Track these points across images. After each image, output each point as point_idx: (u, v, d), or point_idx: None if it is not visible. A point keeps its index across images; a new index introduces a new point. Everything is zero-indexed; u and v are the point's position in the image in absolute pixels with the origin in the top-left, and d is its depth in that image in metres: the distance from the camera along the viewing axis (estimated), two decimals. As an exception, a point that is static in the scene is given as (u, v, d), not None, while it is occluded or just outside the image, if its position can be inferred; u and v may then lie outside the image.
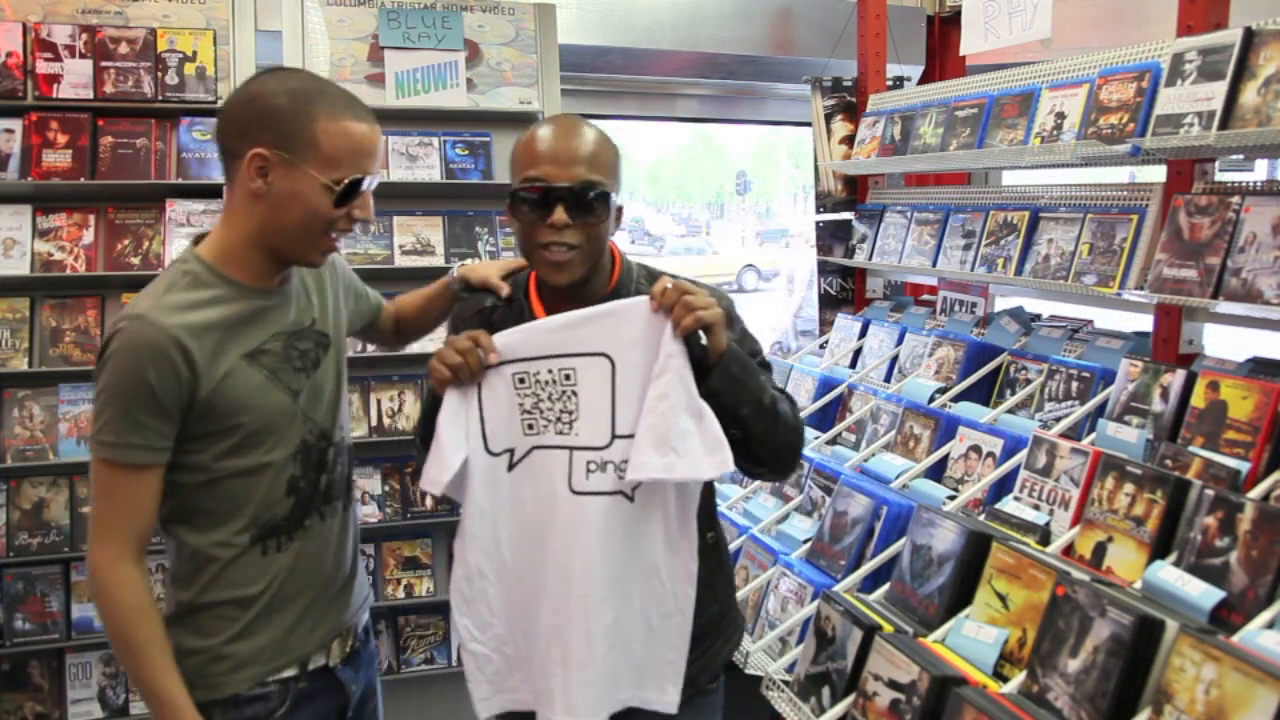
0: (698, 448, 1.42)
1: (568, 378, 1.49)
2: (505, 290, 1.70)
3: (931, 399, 2.41)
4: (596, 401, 1.48)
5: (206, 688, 1.50)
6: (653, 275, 1.70)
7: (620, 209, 1.63)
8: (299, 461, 1.58)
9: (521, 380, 1.50)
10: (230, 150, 1.48)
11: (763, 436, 1.54)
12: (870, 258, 3.08)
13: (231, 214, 1.52)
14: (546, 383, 1.49)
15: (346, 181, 1.47)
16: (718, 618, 1.68)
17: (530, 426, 1.51)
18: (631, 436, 1.45)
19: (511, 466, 1.52)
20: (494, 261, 1.87)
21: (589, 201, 1.53)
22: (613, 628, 1.48)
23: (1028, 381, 2.29)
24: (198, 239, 1.56)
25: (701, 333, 1.45)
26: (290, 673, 1.57)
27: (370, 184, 1.52)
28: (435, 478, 1.47)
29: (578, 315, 1.50)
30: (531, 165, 1.55)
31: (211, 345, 1.46)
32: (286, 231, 1.49)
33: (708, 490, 1.65)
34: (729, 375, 1.50)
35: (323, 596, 1.63)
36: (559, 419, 1.50)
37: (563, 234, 1.52)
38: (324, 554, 1.64)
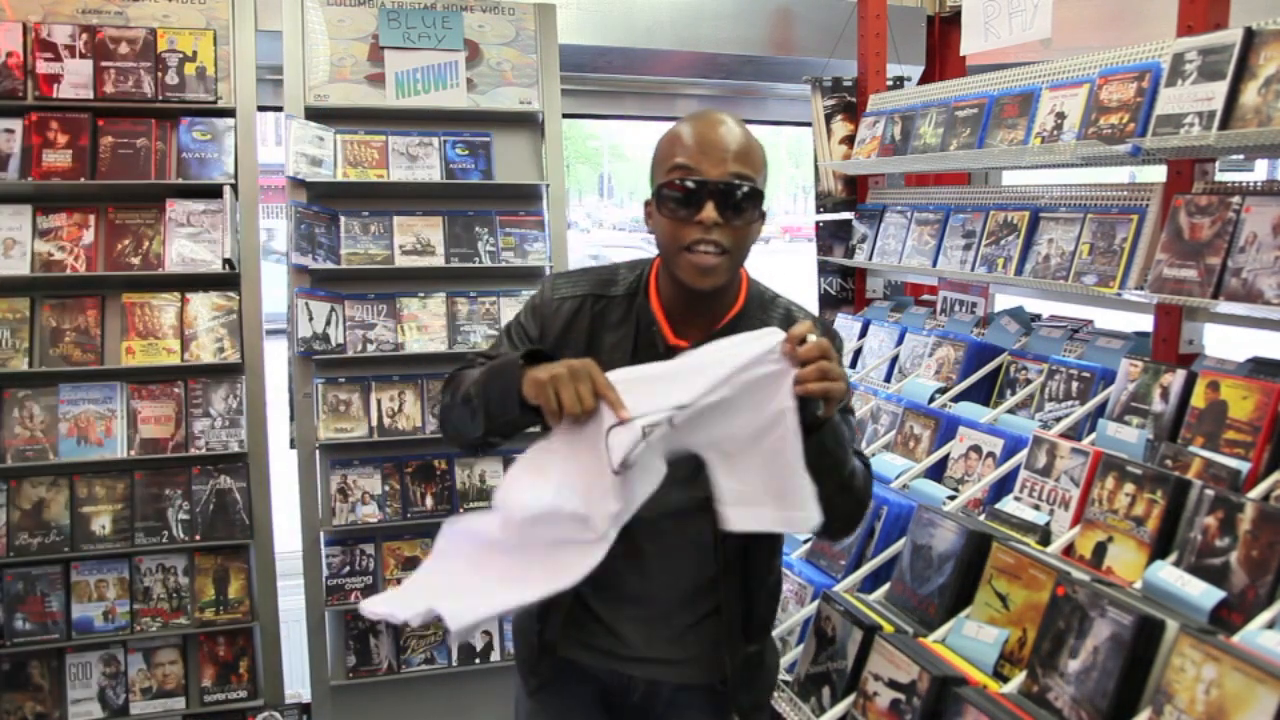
0: (809, 499, 1.37)
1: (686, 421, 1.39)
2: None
3: (931, 399, 2.41)
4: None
5: None
6: (766, 300, 1.61)
7: (764, 214, 1.51)
8: None
9: (647, 433, 1.36)
10: None
11: (826, 506, 1.47)
12: (870, 258, 3.08)
13: None
14: (665, 435, 1.37)
15: None
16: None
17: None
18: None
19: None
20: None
21: (741, 199, 1.42)
22: None
23: (1028, 381, 2.29)
24: None
25: (822, 402, 1.35)
26: None
27: None
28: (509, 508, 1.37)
29: (701, 362, 1.37)
30: (681, 158, 1.44)
31: None
32: None
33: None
34: (822, 448, 1.42)
35: None
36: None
37: (711, 233, 1.42)
38: None
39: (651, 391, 1.35)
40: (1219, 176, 1.98)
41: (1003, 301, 2.87)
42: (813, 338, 1.32)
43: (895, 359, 2.79)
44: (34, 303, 2.84)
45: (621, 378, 1.37)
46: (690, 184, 1.42)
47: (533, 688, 1.69)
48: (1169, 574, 1.48)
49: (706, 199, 1.41)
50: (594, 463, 1.35)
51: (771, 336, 1.35)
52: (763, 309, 1.59)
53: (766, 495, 1.36)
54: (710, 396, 1.34)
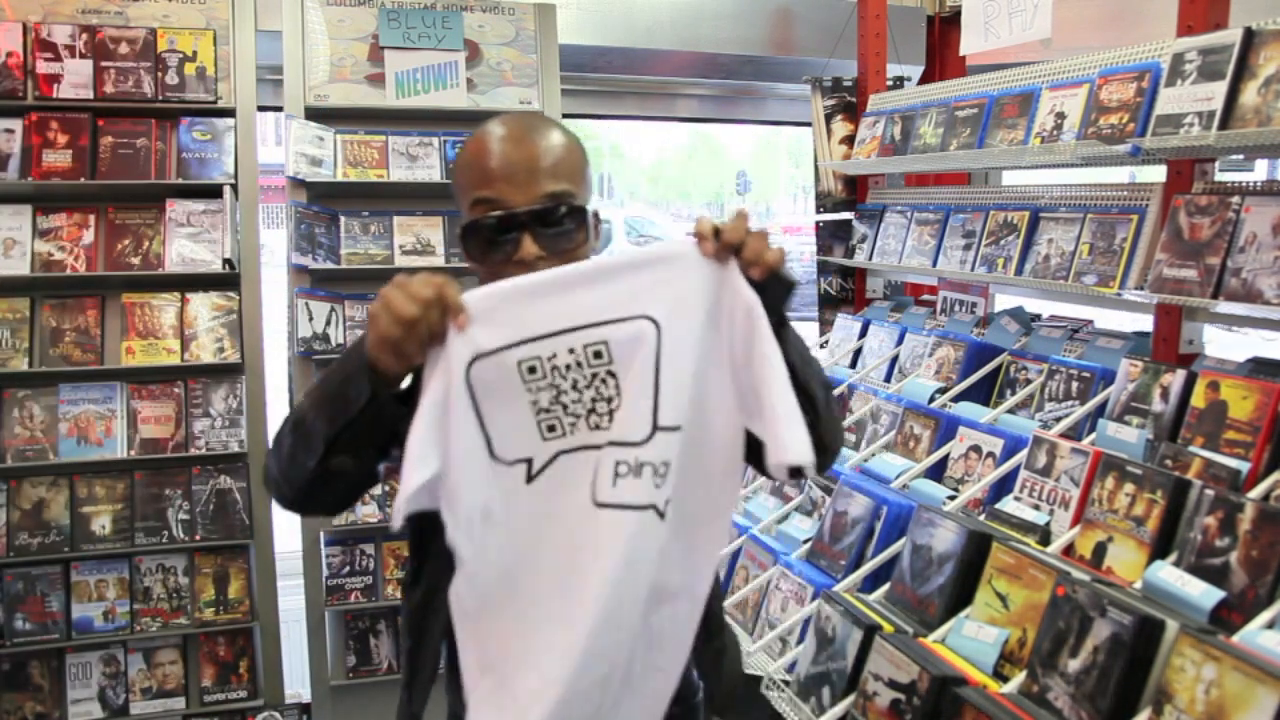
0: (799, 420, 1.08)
1: (599, 355, 1.11)
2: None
3: (931, 399, 2.41)
4: (639, 381, 1.10)
5: None
6: None
7: (597, 217, 1.31)
8: None
9: (532, 370, 1.11)
10: None
11: (825, 413, 1.25)
12: (870, 258, 3.08)
13: None
14: (569, 367, 1.11)
15: None
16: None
17: (551, 428, 1.13)
18: (671, 430, 1.10)
19: (531, 477, 1.14)
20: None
21: (560, 220, 1.22)
22: (601, 682, 1.13)
23: (1028, 381, 2.29)
24: None
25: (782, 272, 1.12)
26: None
27: None
28: (397, 505, 1.09)
29: (598, 266, 1.13)
30: (481, 187, 1.22)
31: None
32: None
33: None
34: (796, 346, 1.19)
35: None
36: (593, 411, 1.13)
37: (536, 268, 1.18)
38: None
39: (533, 311, 1.11)
40: (1219, 176, 1.98)
41: (1003, 301, 2.87)
42: (720, 220, 1.13)
43: (895, 359, 2.79)
44: (34, 303, 2.84)
45: (490, 292, 1.12)
46: (497, 219, 1.20)
47: None
48: (1169, 574, 1.48)
49: (521, 233, 1.20)
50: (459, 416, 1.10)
51: (677, 245, 1.13)
52: None
53: (792, 419, 1.08)
54: (604, 301, 1.11)
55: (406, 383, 1.18)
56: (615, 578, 1.09)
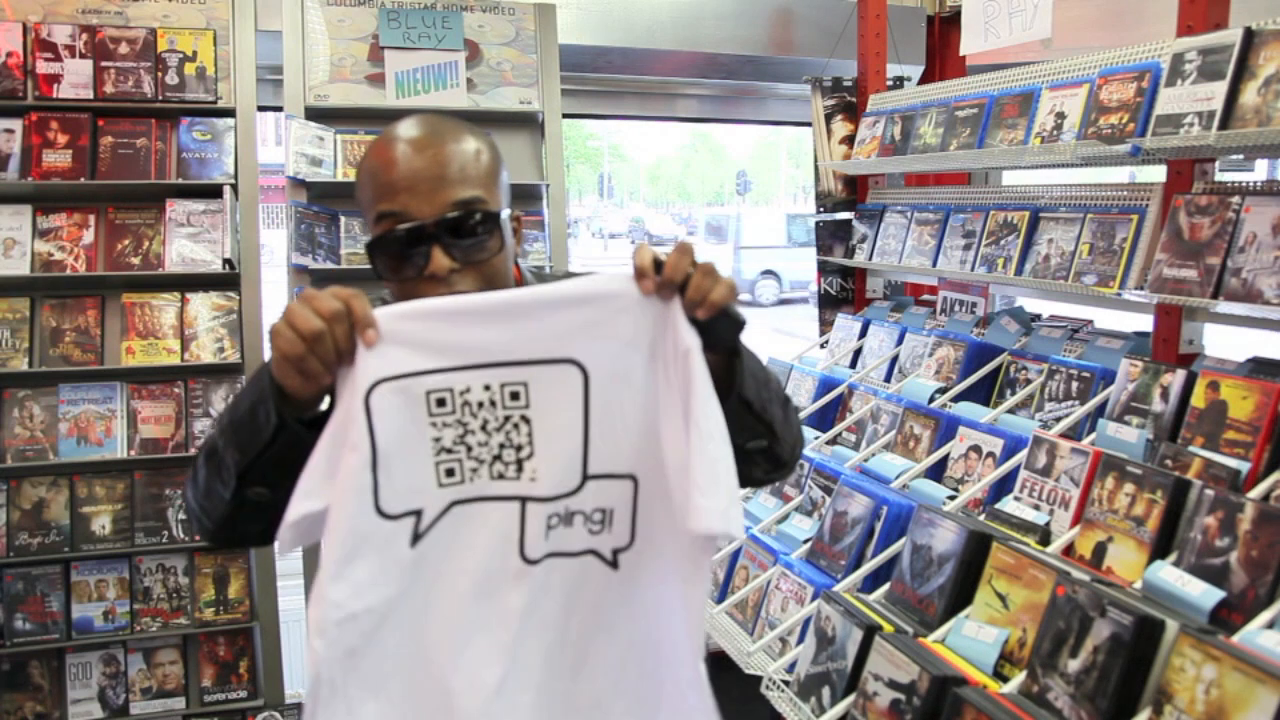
0: (733, 490, 0.99)
1: (515, 396, 1.03)
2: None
3: (931, 399, 2.41)
4: (562, 430, 1.03)
5: None
6: (547, 277, 1.32)
7: (518, 220, 1.24)
8: None
9: (441, 402, 1.01)
10: None
11: (784, 433, 1.21)
12: (870, 258, 3.08)
13: None
14: (481, 405, 1.02)
15: None
16: None
17: (450, 473, 1.03)
18: (611, 477, 1.03)
19: (418, 538, 1.02)
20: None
21: (473, 229, 1.13)
22: None
23: (1028, 381, 2.29)
24: None
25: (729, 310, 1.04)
26: None
27: None
28: (281, 533, 0.99)
29: (526, 298, 1.02)
30: (384, 200, 1.13)
31: None
32: None
33: None
34: (752, 373, 1.14)
35: None
36: (498, 458, 1.03)
37: (452, 284, 1.12)
38: None
39: (451, 337, 1.01)
40: (1219, 176, 1.99)
41: (1003, 301, 2.87)
42: (661, 253, 1.02)
43: (895, 359, 2.79)
44: (34, 303, 2.84)
45: (406, 310, 1.02)
46: (404, 233, 1.12)
47: None
48: (1169, 574, 1.48)
49: (430, 246, 1.12)
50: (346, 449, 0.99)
51: (615, 281, 1.03)
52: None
53: (706, 481, 0.98)
54: (530, 339, 1.01)
55: (326, 404, 1.07)
56: (567, 627, 1.04)
